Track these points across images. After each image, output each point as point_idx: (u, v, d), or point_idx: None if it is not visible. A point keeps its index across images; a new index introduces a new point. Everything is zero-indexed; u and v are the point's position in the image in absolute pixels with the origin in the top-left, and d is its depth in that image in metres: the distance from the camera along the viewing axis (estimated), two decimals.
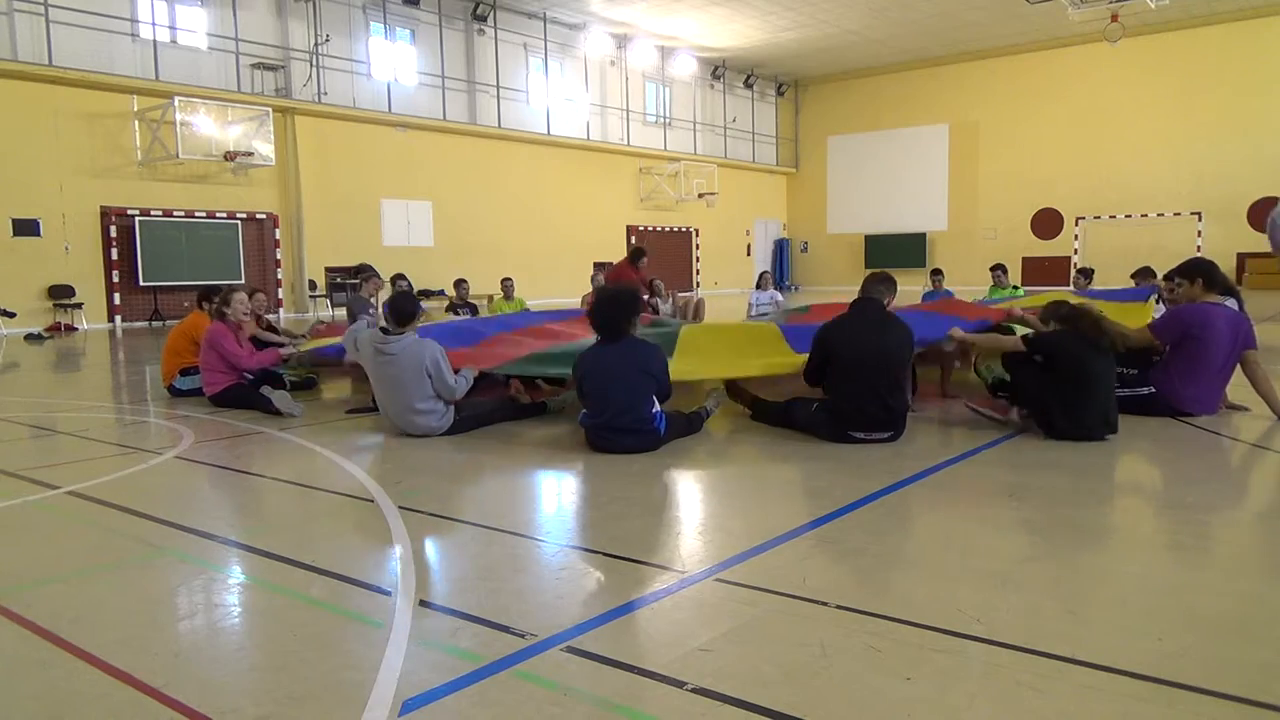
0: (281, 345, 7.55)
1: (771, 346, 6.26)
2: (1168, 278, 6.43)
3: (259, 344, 7.27)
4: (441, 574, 3.13)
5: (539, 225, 24.12)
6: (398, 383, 5.29)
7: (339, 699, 2.14)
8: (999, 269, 12.29)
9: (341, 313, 10.63)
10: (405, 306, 5.47)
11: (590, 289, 12.64)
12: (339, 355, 6.71)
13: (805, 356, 5.38)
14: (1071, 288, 11.57)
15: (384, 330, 5.45)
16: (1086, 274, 11.31)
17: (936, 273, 13.13)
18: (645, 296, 11.16)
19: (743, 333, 7.35)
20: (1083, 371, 4.91)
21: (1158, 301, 6.75)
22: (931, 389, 6.65)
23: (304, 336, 8.47)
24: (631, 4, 23.52)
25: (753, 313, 12.41)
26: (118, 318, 17.31)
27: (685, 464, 4.67)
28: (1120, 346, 5.39)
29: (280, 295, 19.40)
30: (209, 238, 18.35)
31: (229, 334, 6.76)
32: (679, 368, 5.62)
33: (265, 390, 6.45)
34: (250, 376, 6.82)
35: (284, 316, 17.79)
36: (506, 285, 12.66)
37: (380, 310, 10.92)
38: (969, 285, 22.63)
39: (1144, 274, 8.97)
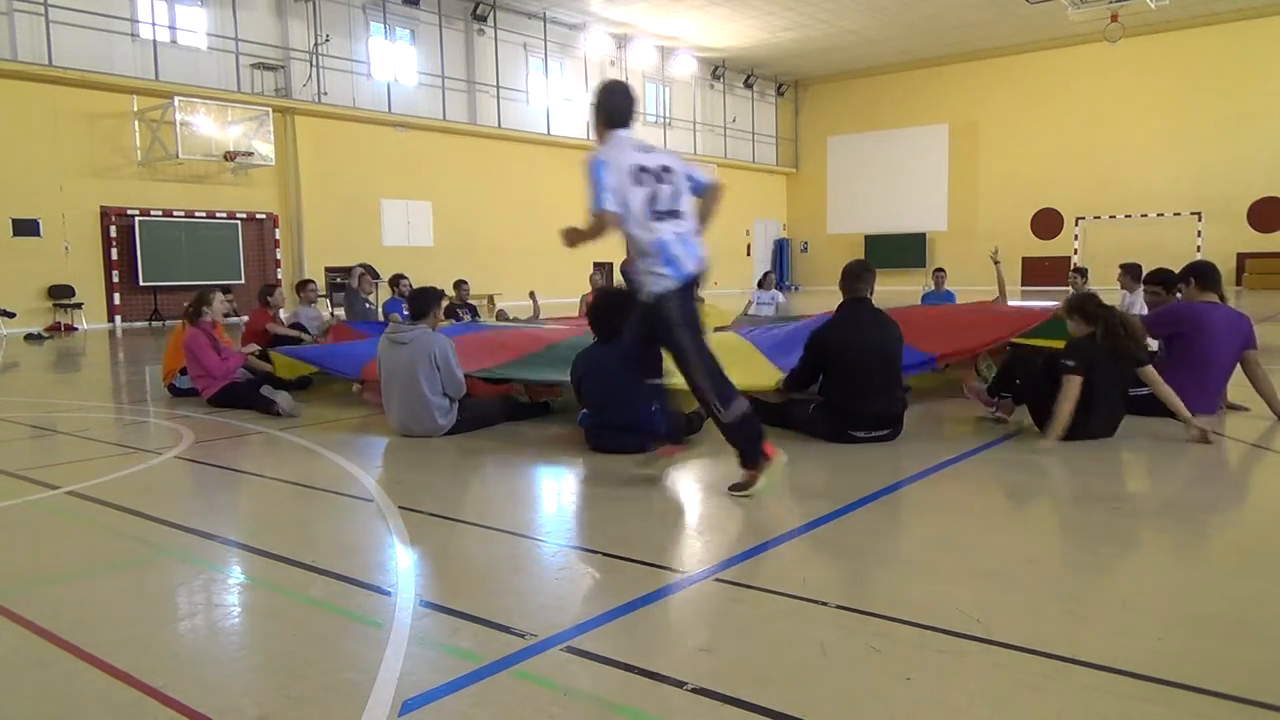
0: (299, 341, 7.69)
1: (751, 361, 6.20)
2: (1147, 281, 6.43)
3: (280, 340, 7.36)
4: (441, 574, 3.13)
5: (539, 225, 24.05)
6: (408, 374, 5.32)
7: (339, 699, 2.14)
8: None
9: (341, 312, 10.70)
10: (420, 301, 5.63)
11: (590, 289, 12.63)
12: (345, 373, 6.78)
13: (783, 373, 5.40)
14: (1069, 288, 11.54)
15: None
16: (1082, 273, 11.29)
17: (939, 272, 13.11)
18: None
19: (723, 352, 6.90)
20: (1101, 382, 4.86)
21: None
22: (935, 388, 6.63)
23: (315, 338, 8.54)
24: (631, 4, 23.52)
25: (751, 310, 12.48)
26: (118, 318, 17.31)
27: (685, 464, 4.66)
28: (1142, 353, 5.14)
29: (280, 295, 19.38)
30: (209, 238, 18.35)
31: (205, 342, 6.70)
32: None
33: (266, 390, 6.45)
34: (249, 376, 6.84)
35: (284, 315, 17.75)
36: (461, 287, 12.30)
37: (382, 307, 10.94)
38: (970, 285, 22.62)
39: (1160, 281, 8.75)
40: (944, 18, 25.07)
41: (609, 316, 5.03)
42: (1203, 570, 3.06)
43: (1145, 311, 6.78)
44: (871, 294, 5.20)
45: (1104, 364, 4.90)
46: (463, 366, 5.85)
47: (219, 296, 7.01)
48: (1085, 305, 5.09)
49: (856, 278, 5.14)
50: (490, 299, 15.04)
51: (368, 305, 10.64)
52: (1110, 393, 4.94)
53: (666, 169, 4.00)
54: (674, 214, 4.00)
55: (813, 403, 5.18)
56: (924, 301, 12.46)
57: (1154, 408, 5.55)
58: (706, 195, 4.16)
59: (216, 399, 6.66)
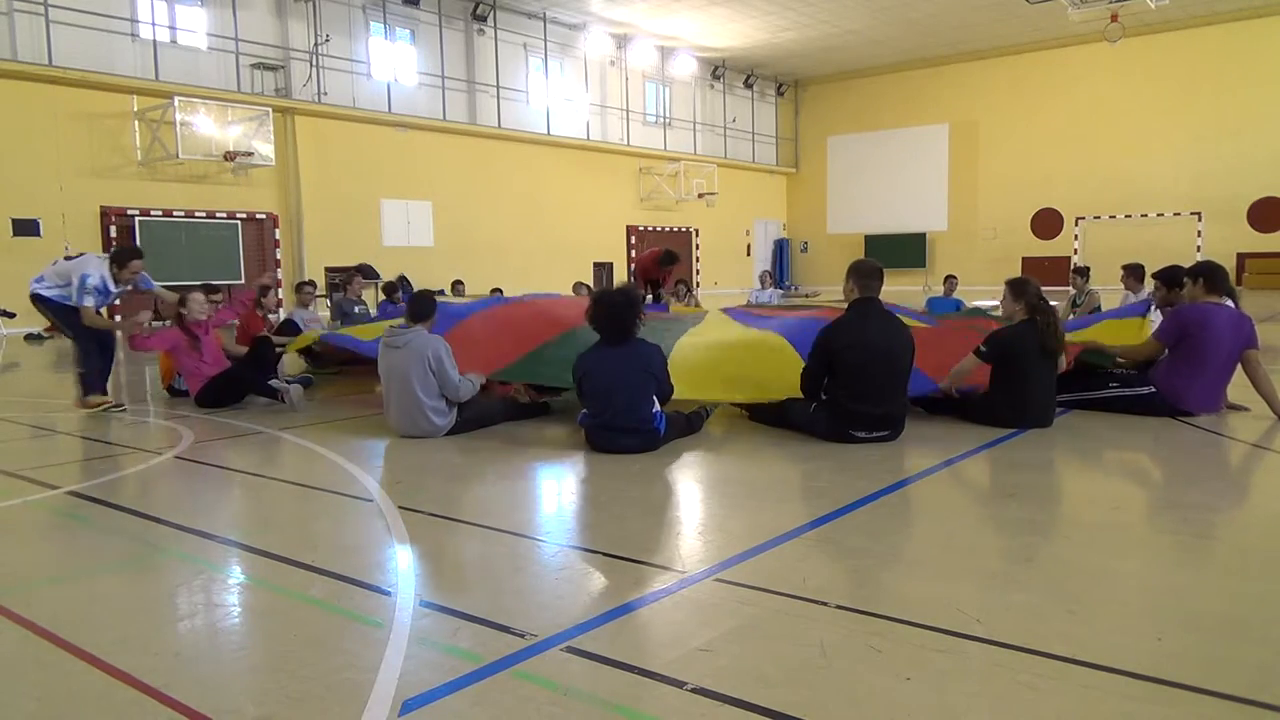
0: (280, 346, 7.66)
1: (776, 355, 6.10)
2: (1155, 277, 6.45)
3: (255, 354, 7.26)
4: (441, 574, 3.13)
5: (539, 225, 24.10)
6: (403, 377, 5.32)
7: (339, 699, 2.14)
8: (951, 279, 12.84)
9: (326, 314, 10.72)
10: (419, 305, 5.57)
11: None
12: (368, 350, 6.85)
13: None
14: (1070, 288, 11.51)
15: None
16: (1083, 273, 11.18)
17: (951, 278, 13.16)
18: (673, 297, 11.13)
19: (744, 347, 6.55)
20: (1028, 370, 5.25)
21: (1155, 308, 6.67)
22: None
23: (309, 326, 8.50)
24: (631, 4, 23.51)
25: None
26: (117, 318, 17.27)
27: (685, 464, 4.67)
28: (1063, 348, 5.49)
29: (280, 295, 19.38)
30: (209, 238, 18.34)
31: (184, 345, 6.68)
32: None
33: (274, 383, 6.45)
34: (247, 375, 6.83)
35: (282, 315, 17.77)
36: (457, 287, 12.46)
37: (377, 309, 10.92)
38: (970, 286, 22.63)
39: (1162, 276, 8.64)
40: (944, 18, 25.05)
41: (612, 318, 4.98)
42: (1203, 570, 3.06)
43: (1156, 312, 6.73)
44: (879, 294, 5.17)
45: (1033, 357, 5.25)
46: (479, 369, 5.78)
47: (196, 297, 6.91)
48: (1026, 289, 5.37)
49: (868, 277, 5.08)
50: None
51: (358, 310, 10.57)
52: (1039, 385, 5.30)
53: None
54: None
55: (814, 402, 5.15)
56: (929, 305, 12.44)
57: (1154, 407, 5.57)
58: None
59: (203, 397, 6.61)
